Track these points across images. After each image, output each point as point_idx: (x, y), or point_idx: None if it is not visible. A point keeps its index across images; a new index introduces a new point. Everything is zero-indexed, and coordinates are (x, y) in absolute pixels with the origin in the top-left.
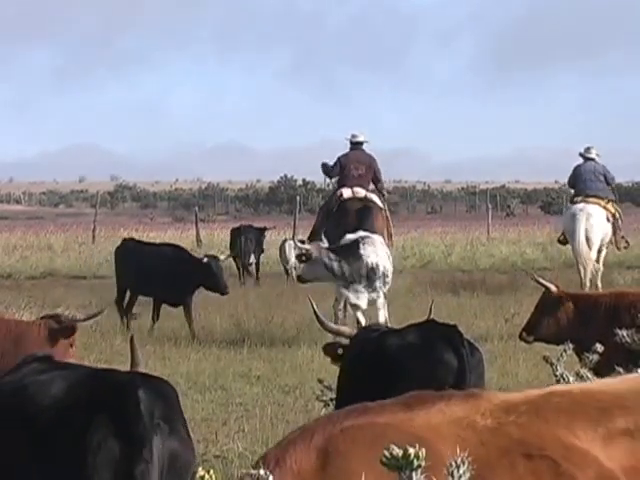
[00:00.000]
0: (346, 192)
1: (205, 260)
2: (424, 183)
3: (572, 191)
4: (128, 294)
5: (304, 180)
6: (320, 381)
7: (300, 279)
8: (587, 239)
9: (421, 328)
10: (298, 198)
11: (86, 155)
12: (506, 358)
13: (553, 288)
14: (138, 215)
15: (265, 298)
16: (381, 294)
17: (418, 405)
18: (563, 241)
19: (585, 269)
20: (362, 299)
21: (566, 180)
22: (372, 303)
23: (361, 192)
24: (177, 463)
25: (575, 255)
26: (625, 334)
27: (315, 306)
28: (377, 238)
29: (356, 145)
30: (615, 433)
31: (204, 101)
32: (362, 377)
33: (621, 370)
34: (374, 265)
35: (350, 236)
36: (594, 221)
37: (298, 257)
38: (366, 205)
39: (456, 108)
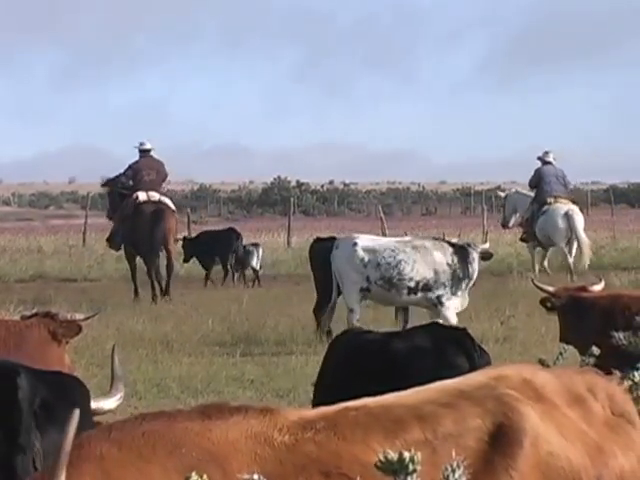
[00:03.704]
0: (142, 195)
1: None
2: (418, 184)
3: (527, 192)
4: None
5: (298, 181)
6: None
7: None
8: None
9: (429, 331)
10: (292, 199)
11: (83, 156)
12: (502, 361)
13: (551, 290)
14: None
15: (258, 301)
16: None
17: (216, 415)
18: (527, 239)
19: (585, 259)
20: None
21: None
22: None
23: (155, 196)
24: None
25: (565, 249)
26: (622, 336)
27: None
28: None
29: (144, 152)
30: (413, 444)
31: (207, 102)
32: (365, 378)
33: (617, 373)
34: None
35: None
36: (582, 219)
37: None
38: (159, 207)
39: (458, 109)
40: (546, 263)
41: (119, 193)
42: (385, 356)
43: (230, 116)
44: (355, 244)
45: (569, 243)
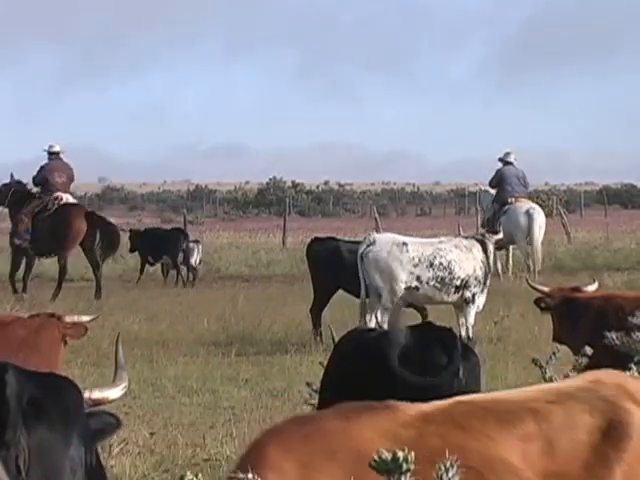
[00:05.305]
0: (64, 197)
1: None
2: (413, 185)
3: (494, 191)
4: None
5: (293, 182)
6: (308, 384)
7: None
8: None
9: (416, 331)
10: (287, 200)
11: (82, 156)
12: (495, 361)
13: (546, 290)
14: (126, 217)
15: (253, 301)
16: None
17: (353, 416)
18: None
19: (537, 259)
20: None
21: (550, 181)
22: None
23: (70, 198)
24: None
25: (526, 248)
26: (614, 336)
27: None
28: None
29: (53, 155)
30: (530, 436)
31: (205, 103)
32: (356, 378)
33: None
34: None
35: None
36: (543, 218)
37: None
38: (92, 212)
39: (453, 111)
40: (510, 263)
41: (19, 193)
42: (373, 354)
43: (227, 117)
44: (405, 244)
45: (530, 242)
